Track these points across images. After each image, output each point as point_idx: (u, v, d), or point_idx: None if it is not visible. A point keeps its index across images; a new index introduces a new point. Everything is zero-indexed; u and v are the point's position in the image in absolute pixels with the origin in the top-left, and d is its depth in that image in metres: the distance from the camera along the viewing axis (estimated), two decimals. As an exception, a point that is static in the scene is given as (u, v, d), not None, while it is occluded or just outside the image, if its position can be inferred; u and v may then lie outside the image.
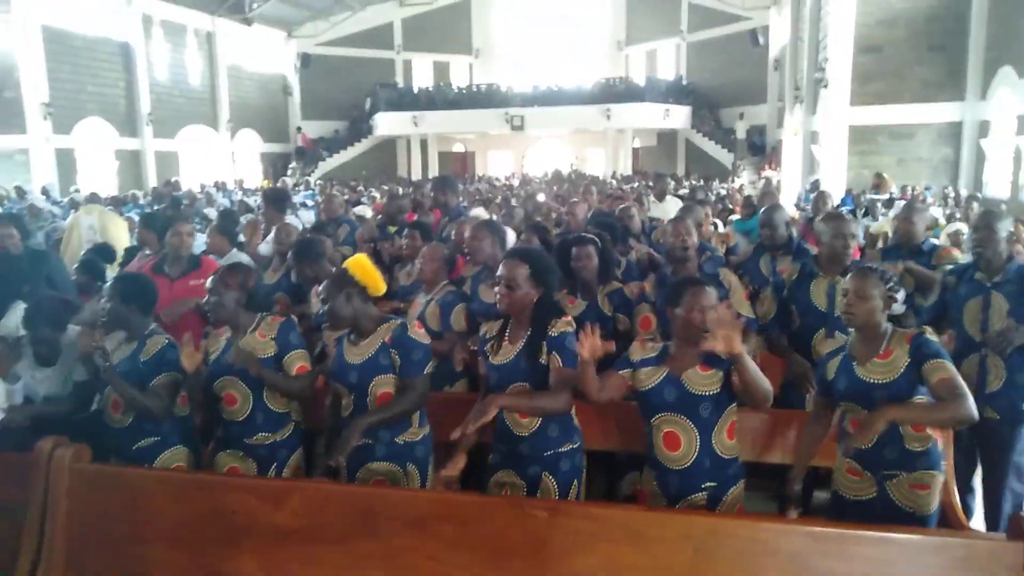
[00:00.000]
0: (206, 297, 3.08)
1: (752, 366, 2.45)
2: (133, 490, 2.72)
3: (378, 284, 2.92)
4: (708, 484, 2.62)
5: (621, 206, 6.18)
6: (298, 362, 3.02)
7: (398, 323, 2.87)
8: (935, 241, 4.22)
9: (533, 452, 2.75)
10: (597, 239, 3.73)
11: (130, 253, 6.48)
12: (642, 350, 2.72)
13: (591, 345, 2.51)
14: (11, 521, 2.74)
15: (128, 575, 2.68)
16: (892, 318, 2.70)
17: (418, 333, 2.84)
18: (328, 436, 2.99)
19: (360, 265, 2.90)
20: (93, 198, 10.74)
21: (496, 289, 2.73)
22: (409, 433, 2.89)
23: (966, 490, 3.52)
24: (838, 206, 12.14)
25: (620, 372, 2.70)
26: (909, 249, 4.08)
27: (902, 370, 2.54)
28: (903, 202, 11.75)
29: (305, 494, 2.59)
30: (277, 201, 6.31)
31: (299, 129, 27.51)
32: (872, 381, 2.57)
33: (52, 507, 2.72)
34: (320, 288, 2.88)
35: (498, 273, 2.75)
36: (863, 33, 15.55)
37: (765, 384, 2.48)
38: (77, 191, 14.08)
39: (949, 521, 2.71)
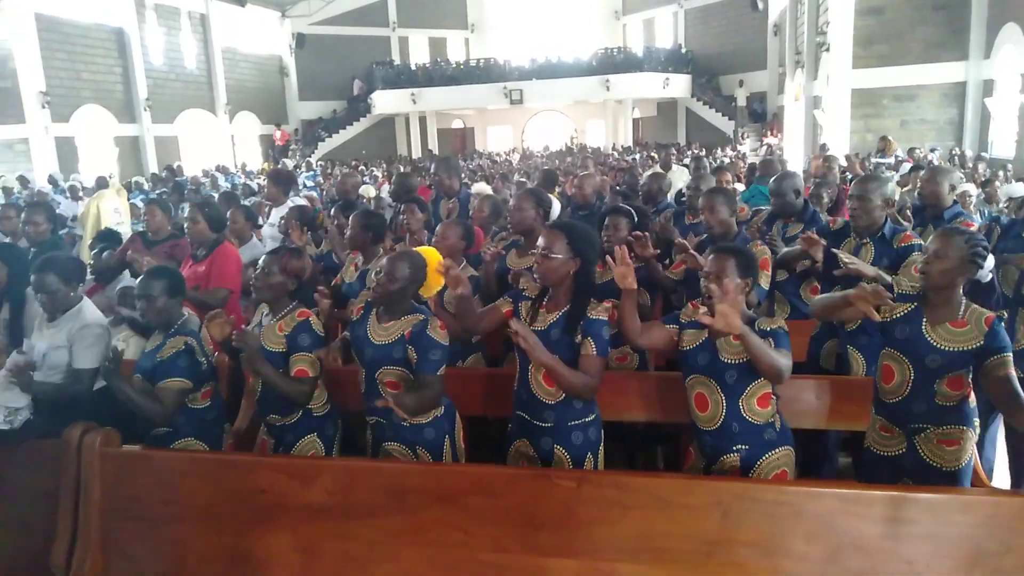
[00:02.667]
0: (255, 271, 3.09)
1: (757, 344, 2.37)
2: (164, 472, 2.77)
3: (432, 288, 2.92)
4: (740, 446, 2.60)
5: (648, 173, 6.18)
6: (299, 364, 2.95)
7: (421, 319, 2.83)
8: (960, 209, 4.07)
9: (556, 422, 2.73)
10: (633, 213, 3.73)
11: (106, 237, 6.32)
12: (694, 312, 2.66)
13: (623, 271, 2.56)
14: (46, 507, 2.80)
15: (162, 556, 2.73)
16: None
17: (439, 332, 2.79)
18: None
19: (435, 261, 2.88)
20: (102, 183, 10.82)
21: (535, 258, 2.73)
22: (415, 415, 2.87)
23: (987, 444, 3.52)
24: (844, 171, 12.10)
25: (666, 326, 2.72)
26: (933, 214, 4.01)
27: (971, 348, 2.51)
28: (908, 164, 11.70)
29: (334, 472, 2.64)
30: (282, 182, 6.30)
31: (278, 125, 26.81)
32: (936, 344, 2.56)
33: (85, 492, 2.78)
34: (391, 261, 2.85)
35: (538, 243, 2.74)
36: (864, -5, 15.40)
37: (774, 361, 2.38)
38: (76, 178, 14.07)
39: (973, 483, 2.74)
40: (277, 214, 5.72)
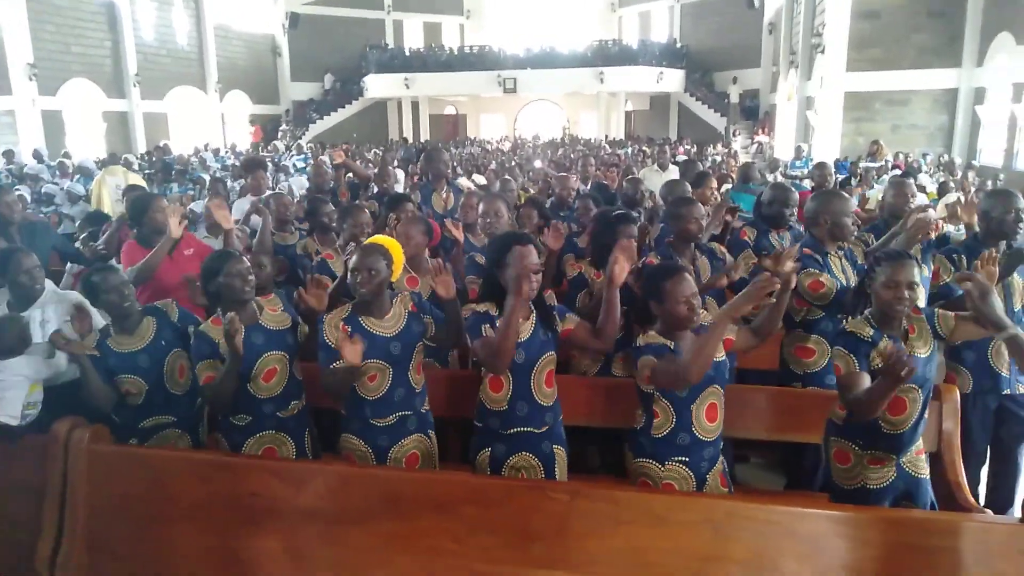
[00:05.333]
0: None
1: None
2: (154, 471, 2.75)
3: (400, 269, 3.02)
4: (722, 444, 2.75)
5: (629, 177, 6.13)
6: (306, 326, 3.16)
7: (408, 293, 3.03)
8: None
9: (553, 422, 2.83)
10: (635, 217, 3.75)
11: (94, 220, 6.21)
12: (658, 337, 2.66)
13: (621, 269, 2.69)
14: (32, 502, 2.76)
15: (150, 555, 2.71)
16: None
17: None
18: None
19: (395, 246, 3.00)
20: (113, 159, 10.86)
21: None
22: (427, 403, 3.03)
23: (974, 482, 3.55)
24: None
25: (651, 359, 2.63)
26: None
27: (933, 341, 2.67)
28: (897, 170, 11.76)
29: (328, 476, 2.62)
30: (252, 169, 6.34)
31: (252, 122, 25.75)
32: (921, 357, 2.64)
33: (72, 488, 2.75)
34: (355, 258, 2.84)
35: (528, 259, 2.69)
36: (861, -2, 15.43)
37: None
38: (67, 154, 13.88)
39: (958, 502, 2.77)
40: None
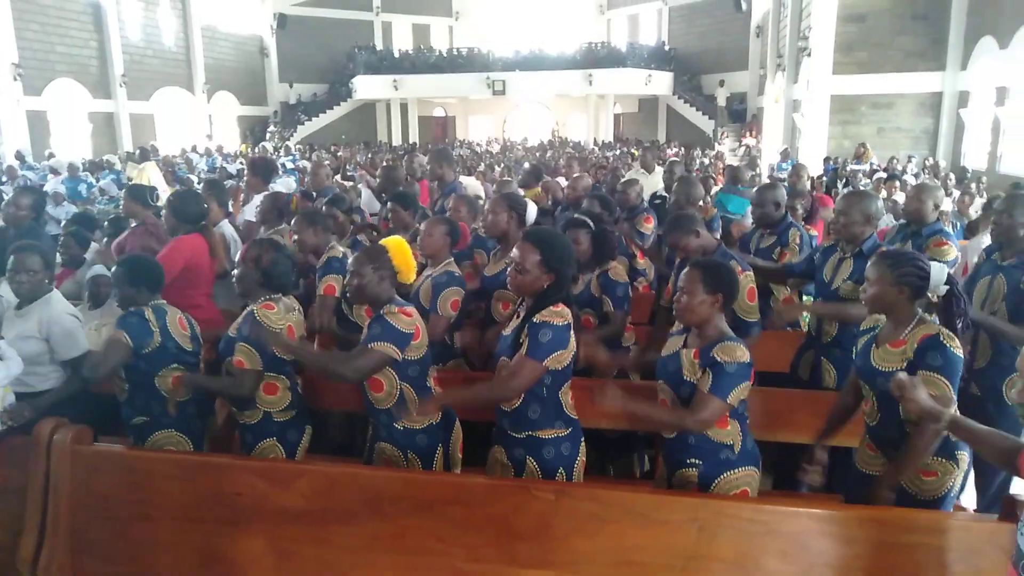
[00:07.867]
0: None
1: (643, 408, 2.55)
2: (137, 471, 2.73)
3: (411, 272, 2.88)
4: (693, 461, 2.54)
5: (623, 180, 6.19)
6: (237, 355, 2.90)
7: (394, 309, 2.76)
8: (940, 226, 3.99)
9: (513, 430, 2.67)
10: (591, 222, 3.68)
11: (79, 221, 6.16)
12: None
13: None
14: (14, 502, 2.74)
15: (133, 555, 2.70)
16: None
17: (397, 318, 2.69)
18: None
19: (399, 248, 2.85)
20: (144, 154, 10.78)
21: (508, 270, 2.71)
22: (408, 420, 2.78)
23: None
24: (820, 176, 12.24)
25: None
26: (914, 231, 4.03)
27: (903, 366, 2.42)
28: (883, 173, 11.84)
29: (312, 477, 2.61)
30: (263, 171, 6.20)
31: (209, 136, 23.88)
32: (876, 366, 2.53)
33: (55, 489, 2.73)
34: (352, 260, 2.82)
35: (511, 254, 2.71)
36: (847, 2, 15.49)
37: (664, 421, 2.58)
38: (52, 155, 13.77)
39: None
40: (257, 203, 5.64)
